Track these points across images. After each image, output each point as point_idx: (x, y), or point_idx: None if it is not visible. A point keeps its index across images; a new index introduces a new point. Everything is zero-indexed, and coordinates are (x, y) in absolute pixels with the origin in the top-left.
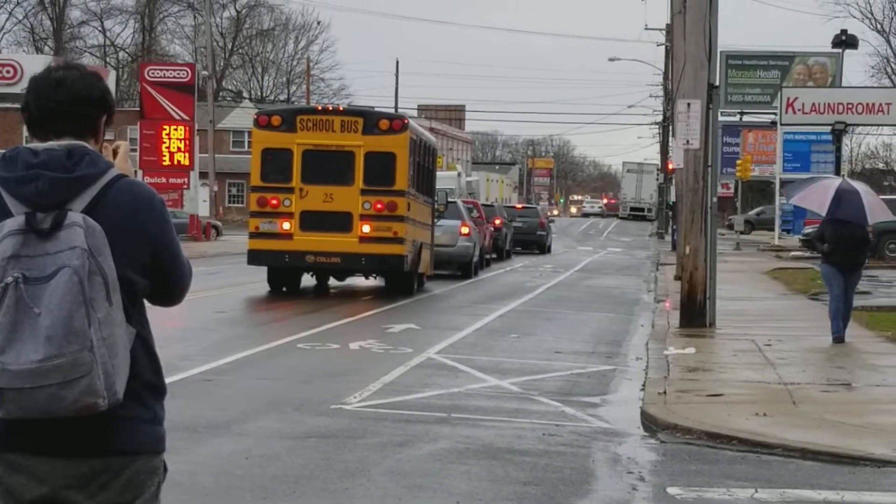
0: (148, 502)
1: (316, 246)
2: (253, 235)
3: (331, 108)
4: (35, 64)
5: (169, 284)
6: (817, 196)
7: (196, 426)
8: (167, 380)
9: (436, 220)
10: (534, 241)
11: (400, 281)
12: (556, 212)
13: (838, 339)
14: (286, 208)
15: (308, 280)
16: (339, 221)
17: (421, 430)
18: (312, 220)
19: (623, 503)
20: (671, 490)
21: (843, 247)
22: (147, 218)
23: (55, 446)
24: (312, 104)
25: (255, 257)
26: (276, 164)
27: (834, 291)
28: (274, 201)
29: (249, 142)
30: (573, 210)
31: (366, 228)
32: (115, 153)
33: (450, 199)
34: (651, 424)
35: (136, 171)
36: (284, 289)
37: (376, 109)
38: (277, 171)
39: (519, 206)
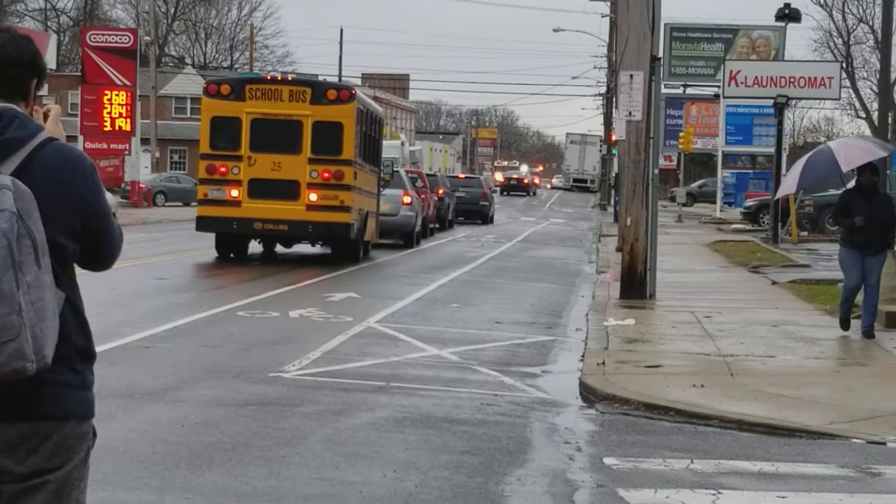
0: (77, 468)
1: (264, 213)
2: (202, 202)
3: (279, 78)
4: None
5: (99, 249)
6: (790, 175)
7: (133, 393)
8: (105, 346)
9: (381, 189)
10: (477, 212)
11: (346, 248)
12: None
13: (866, 333)
14: (234, 176)
15: (255, 247)
16: (287, 189)
17: (359, 398)
18: (260, 188)
19: (560, 473)
20: (608, 460)
21: (870, 225)
22: (77, 182)
23: None
24: (257, 72)
25: (203, 224)
26: (224, 132)
27: (849, 279)
28: (223, 169)
29: (192, 108)
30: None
31: (313, 197)
32: (45, 116)
33: (394, 169)
34: (589, 395)
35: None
36: (232, 255)
37: (320, 78)
38: (226, 140)
39: (462, 175)
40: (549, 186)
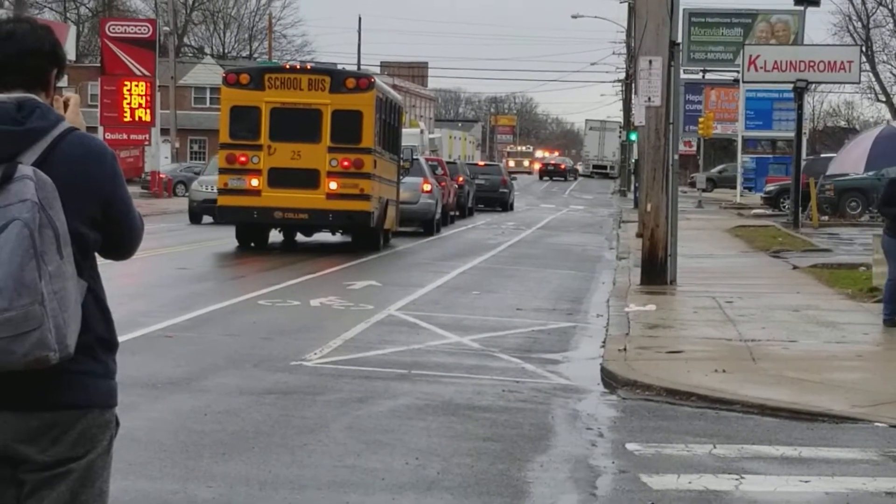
0: (100, 457)
1: (284, 202)
2: (222, 192)
3: (298, 67)
4: None
5: (120, 238)
6: (850, 155)
7: (155, 382)
8: (127, 336)
9: (401, 177)
10: (496, 199)
11: (366, 237)
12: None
13: (890, 322)
14: (255, 165)
15: (276, 236)
16: (307, 178)
17: (381, 386)
18: (280, 177)
19: (582, 459)
20: (630, 446)
21: None
22: (98, 171)
23: (6, 400)
24: (276, 61)
25: (224, 213)
26: (244, 121)
27: (894, 270)
28: (242, 158)
29: (212, 98)
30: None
31: (333, 185)
32: (65, 106)
33: (414, 157)
34: (611, 381)
35: (98, 129)
36: (253, 244)
37: (339, 66)
38: (246, 129)
39: (481, 163)
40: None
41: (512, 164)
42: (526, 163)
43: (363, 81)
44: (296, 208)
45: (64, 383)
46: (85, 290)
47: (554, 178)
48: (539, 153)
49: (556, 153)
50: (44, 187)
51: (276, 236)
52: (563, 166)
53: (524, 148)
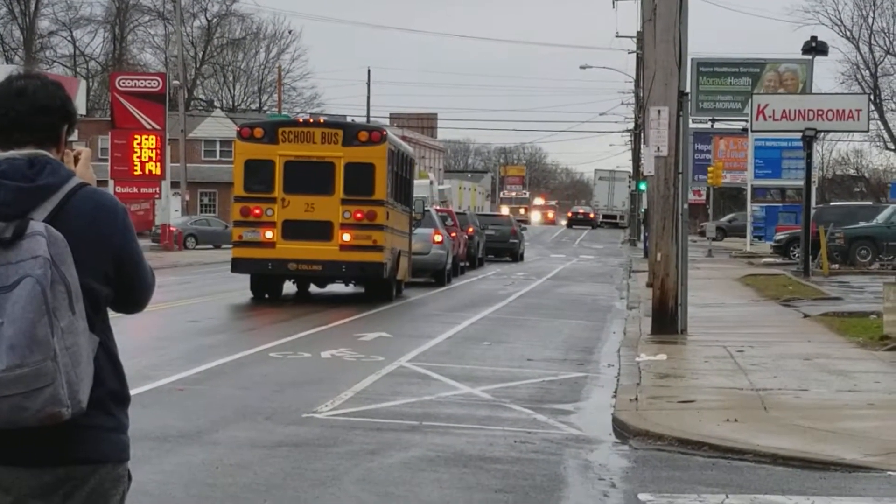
0: None
1: (298, 254)
2: (237, 244)
3: (312, 121)
4: (4, 74)
5: (132, 292)
6: None
7: (167, 436)
8: (138, 390)
9: (413, 228)
10: (506, 249)
11: (379, 288)
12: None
13: None
14: (269, 218)
15: (290, 287)
16: (321, 230)
17: (392, 438)
18: (294, 229)
19: None
20: (642, 496)
21: None
22: (109, 226)
23: (19, 456)
24: (286, 113)
25: (239, 265)
26: (258, 174)
27: None
28: (257, 211)
29: (222, 151)
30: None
31: (346, 237)
32: (76, 160)
33: (425, 208)
34: (622, 431)
35: (108, 182)
36: (267, 296)
37: (349, 118)
38: (260, 182)
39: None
40: (564, 223)
41: (505, 211)
42: (522, 210)
43: (375, 134)
44: (309, 260)
45: (77, 438)
46: (97, 345)
47: (583, 227)
48: (538, 200)
49: (554, 201)
50: (55, 243)
51: (289, 287)
52: (591, 215)
53: (519, 193)
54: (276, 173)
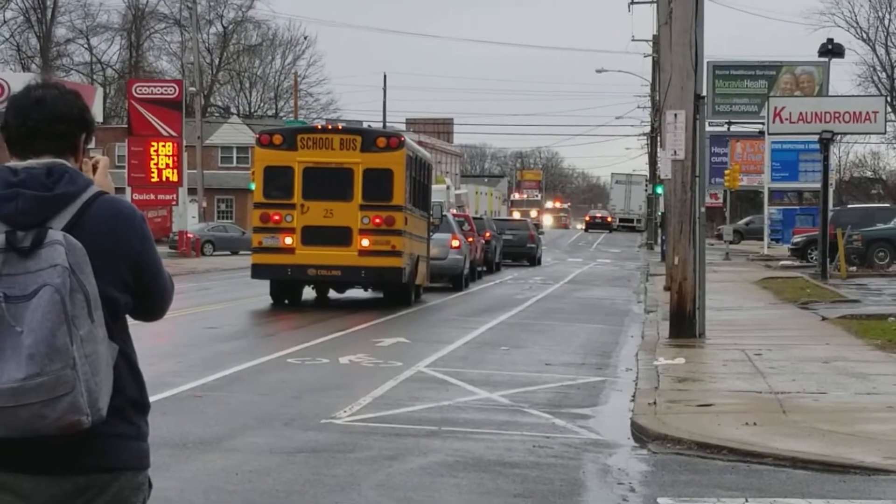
0: None
1: (317, 259)
2: (256, 250)
3: (330, 127)
4: (22, 82)
5: (151, 300)
6: None
7: (185, 442)
8: (157, 396)
9: (431, 233)
10: (524, 254)
11: (398, 293)
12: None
13: None
14: (288, 224)
15: (309, 292)
16: (340, 236)
17: (411, 443)
18: (313, 235)
19: None
20: (662, 500)
21: None
22: (128, 235)
23: (39, 464)
24: (302, 119)
25: (258, 271)
26: (277, 181)
27: None
28: (276, 217)
29: (238, 157)
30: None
31: (365, 242)
32: (94, 168)
33: (442, 213)
34: (641, 435)
35: (125, 189)
36: (287, 301)
37: (365, 124)
38: (279, 189)
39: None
40: (581, 227)
41: (517, 215)
42: (533, 213)
43: (393, 140)
44: (329, 265)
45: (97, 446)
46: (116, 353)
47: (600, 231)
48: (549, 203)
49: (567, 204)
50: (74, 252)
51: (309, 293)
52: (608, 219)
53: (530, 196)
54: (295, 180)
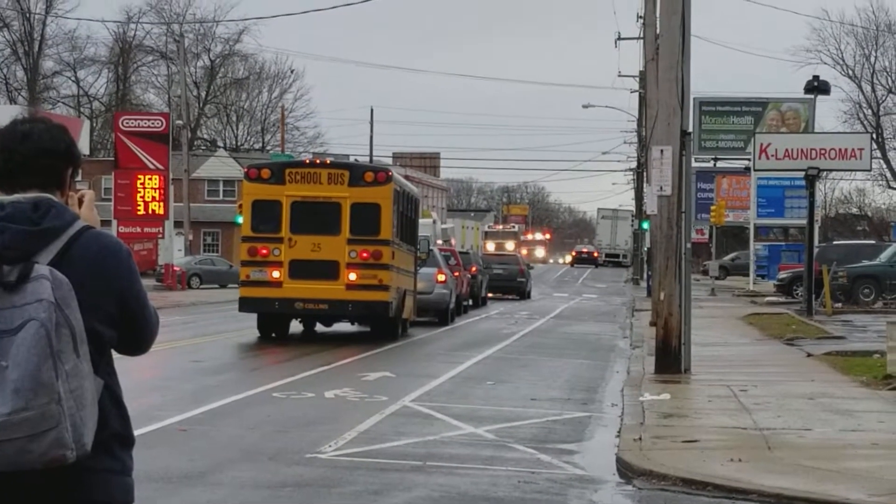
0: None
1: (304, 293)
2: (244, 284)
3: (318, 162)
4: (8, 115)
5: (136, 334)
6: None
7: (170, 476)
8: (142, 430)
9: (417, 268)
10: (514, 288)
11: (385, 327)
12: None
13: None
14: (276, 257)
15: (296, 326)
16: (327, 269)
17: (396, 478)
18: (301, 269)
19: None
20: None
21: None
22: (114, 269)
23: (24, 499)
24: (289, 153)
25: (246, 304)
26: (265, 215)
27: None
28: (264, 251)
29: (225, 191)
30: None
31: (352, 276)
32: (80, 202)
33: (429, 247)
34: (626, 471)
35: (111, 222)
36: (274, 335)
37: (352, 158)
38: (267, 222)
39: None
40: (565, 262)
41: (491, 247)
42: (510, 245)
43: (381, 175)
44: (316, 299)
45: (81, 481)
46: (101, 388)
47: (586, 265)
48: (531, 236)
49: (547, 234)
50: (60, 286)
51: (296, 326)
52: (595, 254)
53: (506, 227)
54: (283, 213)
